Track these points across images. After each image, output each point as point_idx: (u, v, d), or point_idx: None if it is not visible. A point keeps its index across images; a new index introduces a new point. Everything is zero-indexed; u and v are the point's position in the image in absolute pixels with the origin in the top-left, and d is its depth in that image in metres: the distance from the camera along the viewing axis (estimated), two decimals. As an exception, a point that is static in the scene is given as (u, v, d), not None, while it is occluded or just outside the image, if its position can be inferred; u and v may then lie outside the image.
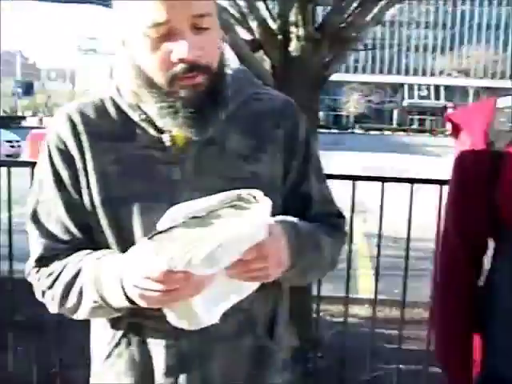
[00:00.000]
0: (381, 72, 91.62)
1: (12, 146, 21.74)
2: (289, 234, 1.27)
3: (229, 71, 1.41)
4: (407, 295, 3.60)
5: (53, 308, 1.40)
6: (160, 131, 1.33)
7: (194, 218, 1.10)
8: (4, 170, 3.50)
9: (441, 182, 3.21)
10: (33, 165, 3.40)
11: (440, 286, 1.67)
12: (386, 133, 75.22)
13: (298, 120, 1.46)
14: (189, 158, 1.34)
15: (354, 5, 4.31)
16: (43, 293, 1.39)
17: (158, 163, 1.34)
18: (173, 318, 1.19)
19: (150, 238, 1.07)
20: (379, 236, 3.48)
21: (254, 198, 1.16)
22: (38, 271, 1.38)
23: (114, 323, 1.38)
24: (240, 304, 1.25)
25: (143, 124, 1.35)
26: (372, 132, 75.80)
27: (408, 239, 3.47)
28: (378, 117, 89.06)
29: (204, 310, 1.16)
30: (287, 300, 1.53)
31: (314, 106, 4.07)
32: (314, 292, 3.71)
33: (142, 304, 1.17)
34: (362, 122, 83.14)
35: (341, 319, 5.44)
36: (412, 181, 3.43)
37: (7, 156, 20.59)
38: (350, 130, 76.30)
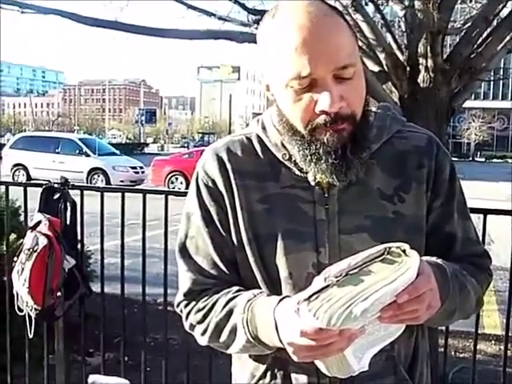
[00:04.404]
0: (504, 98, 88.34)
1: (136, 172, 22.59)
2: (436, 275, 1.22)
3: (373, 108, 1.42)
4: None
5: (202, 341, 1.44)
6: (304, 171, 1.36)
7: (347, 275, 1.11)
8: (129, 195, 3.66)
9: None
10: (166, 193, 3.57)
11: None
12: (509, 161, 72.19)
13: (441, 158, 1.43)
14: (333, 197, 1.36)
15: (485, 34, 4.23)
16: (192, 326, 1.43)
17: (302, 202, 1.36)
18: (324, 368, 1.20)
19: (306, 300, 1.09)
20: (511, 272, 3.36)
21: (404, 251, 1.14)
22: (186, 305, 1.43)
23: (259, 356, 1.41)
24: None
25: (287, 163, 1.38)
26: (494, 160, 73.06)
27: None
28: (501, 144, 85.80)
29: (355, 360, 1.17)
30: (426, 337, 1.50)
31: (441, 138, 4.00)
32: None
33: (296, 359, 1.18)
34: (483, 149, 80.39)
35: (464, 355, 5.31)
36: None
37: (131, 182, 21.46)
38: (470, 158, 74.16)
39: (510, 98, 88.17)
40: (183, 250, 1.45)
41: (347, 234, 1.34)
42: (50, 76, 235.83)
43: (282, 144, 1.38)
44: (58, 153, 22.15)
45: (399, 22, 4.57)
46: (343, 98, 1.24)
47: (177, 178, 21.11)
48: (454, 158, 1.43)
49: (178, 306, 1.47)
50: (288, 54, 1.23)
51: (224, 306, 1.36)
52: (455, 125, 79.93)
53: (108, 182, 21.41)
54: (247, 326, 1.29)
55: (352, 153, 1.29)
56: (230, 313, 1.34)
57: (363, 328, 1.13)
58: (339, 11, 1.32)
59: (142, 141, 77.97)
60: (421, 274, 1.14)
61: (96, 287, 3.86)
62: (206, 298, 1.40)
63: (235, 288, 1.38)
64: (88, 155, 22.19)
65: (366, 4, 4.28)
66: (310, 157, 1.30)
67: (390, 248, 1.14)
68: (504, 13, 4.41)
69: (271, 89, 1.34)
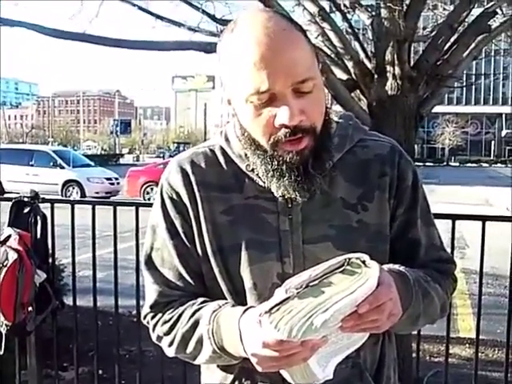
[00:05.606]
0: (477, 103, 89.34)
1: (111, 184, 22.42)
2: (397, 283, 1.23)
3: (334, 118, 1.43)
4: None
5: (170, 352, 1.45)
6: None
7: (307, 286, 1.11)
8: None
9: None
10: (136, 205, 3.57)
11: None
12: (484, 165, 72.98)
13: (404, 166, 1.44)
14: (296, 207, 1.36)
15: (451, 41, 4.29)
16: (159, 338, 1.44)
17: (266, 213, 1.37)
18: (288, 377, 1.21)
19: (267, 312, 1.09)
20: (481, 276, 3.38)
21: (363, 262, 1.15)
22: (153, 317, 1.44)
23: (227, 366, 1.41)
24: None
25: (251, 174, 1.38)
26: (468, 164, 73.77)
27: None
28: (475, 149, 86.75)
29: (319, 368, 1.18)
30: (393, 342, 1.52)
31: (410, 144, 4.05)
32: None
33: (260, 369, 1.19)
34: (457, 154, 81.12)
35: (439, 359, 5.33)
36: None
37: (107, 193, 21.33)
38: (445, 163, 74.91)
39: (482, 102, 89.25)
40: (149, 262, 1.46)
41: (311, 244, 1.35)
42: (24, 88, 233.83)
43: (246, 155, 1.38)
44: (32, 165, 21.91)
45: (366, 30, 4.62)
46: (303, 111, 1.25)
47: (152, 189, 20.94)
48: (428, 163, 1.43)
49: (144, 317, 1.48)
50: (247, 69, 1.23)
51: (190, 318, 1.36)
52: (429, 130, 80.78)
53: (83, 193, 21.23)
54: (213, 336, 1.30)
55: (314, 168, 1.30)
56: (195, 324, 1.35)
57: (326, 338, 1.14)
58: (298, 25, 1.32)
59: (118, 152, 77.36)
60: (381, 284, 1.15)
61: (70, 300, 3.84)
62: (172, 309, 1.41)
63: (201, 299, 1.39)
64: (62, 167, 21.98)
65: (333, 12, 4.32)
66: (272, 172, 1.31)
67: (349, 259, 1.15)
68: (469, 20, 4.48)
69: (232, 103, 1.34)
